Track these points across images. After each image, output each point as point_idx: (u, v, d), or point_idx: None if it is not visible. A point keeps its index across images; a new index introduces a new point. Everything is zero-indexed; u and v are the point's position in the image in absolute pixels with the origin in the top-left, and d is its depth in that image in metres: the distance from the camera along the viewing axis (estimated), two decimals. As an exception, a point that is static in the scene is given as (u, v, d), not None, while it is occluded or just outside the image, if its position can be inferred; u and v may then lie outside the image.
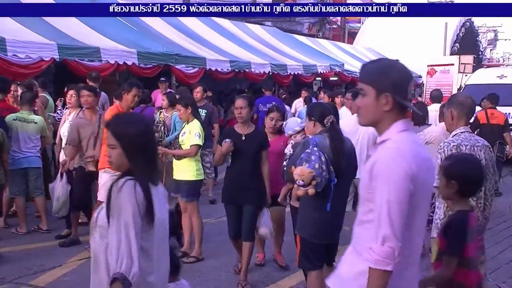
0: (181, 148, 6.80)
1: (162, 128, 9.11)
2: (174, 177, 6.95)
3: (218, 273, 6.41)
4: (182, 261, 6.70)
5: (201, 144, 6.75)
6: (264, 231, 6.02)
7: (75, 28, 11.76)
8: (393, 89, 2.58)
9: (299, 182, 4.52)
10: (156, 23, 14.95)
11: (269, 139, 6.21)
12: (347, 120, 7.61)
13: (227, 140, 5.92)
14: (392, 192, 2.45)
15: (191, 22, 16.44)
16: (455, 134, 4.58)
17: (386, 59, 2.86)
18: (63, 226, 7.96)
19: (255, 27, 20.40)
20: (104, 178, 7.06)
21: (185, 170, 6.76)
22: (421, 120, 8.11)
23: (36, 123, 7.89)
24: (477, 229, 3.42)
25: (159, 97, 11.41)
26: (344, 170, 4.71)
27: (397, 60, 2.73)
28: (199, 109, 9.28)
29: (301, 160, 4.57)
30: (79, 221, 8.23)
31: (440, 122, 7.30)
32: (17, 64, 9.81)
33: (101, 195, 7.08)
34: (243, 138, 5.97)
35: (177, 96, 9.55)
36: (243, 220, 6.01)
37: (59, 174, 7.56)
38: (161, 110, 9.53)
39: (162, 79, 12.81)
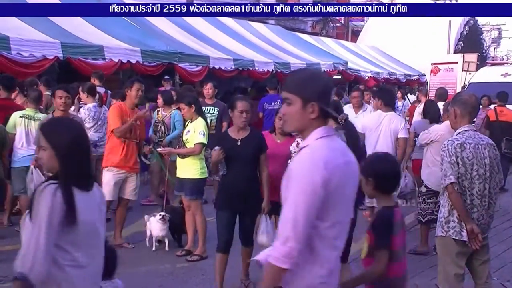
0: (186, 147, 6.79)
1: (162, 127, 9.07)
2: (177, 175, 6.96)
3: (222, 271, 6.39)
4: (186, 259, 6.72)
5: (205, 142, 6.75)
6: (261, 239, 5.58)
7: (79, 27, 11.77)
8: (318, 98, 2.70)
9: None
10: (160, 22, 14.95)
11: (278, 141, 5.98)
12: (370, 117, 7.80)
13: (216, 148, 5.58)
14: (301, 196, 2.57)
15: (194, 21, 16.44)
16: (459, 132, 4.58)
17: (309, 70, 3.03)
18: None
19: (258, 25, 20.39)
20: (107, 177, 7.07)
21: (189, 168, 6.76)
22: (435, 118, 8.19)
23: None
24: (402, 223, 3.55)
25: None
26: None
27: (319, 69, 2.86)
28: (211, 107, 9.25)
29: None
30: None
31: (444, 120, 7.30)
32: (21, 62, 9.83)
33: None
34: (239, 143, 5.63)
35: (173, 94, 9.58)
36: (242, 227, 5.80)
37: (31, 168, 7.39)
38: (158, 109, 9.48)
39: (166, 77, 12.83)
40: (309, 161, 2.62)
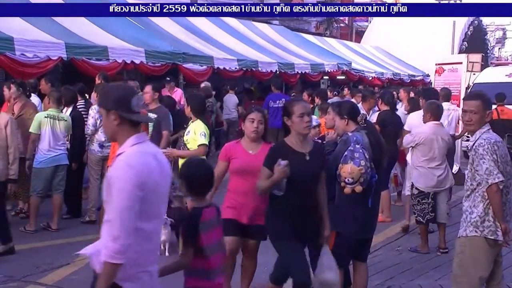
0: (186, 147, 6.78)
1: None
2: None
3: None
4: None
5: (207, 143, 6.73)
6: (329, 276, 4.57)
7: (83, 27, 11.79)
8: (116, 106, 3.05)
9: (348, 180, 4.55)
10: (164, 22, 14.97)
11: (251, 151, 5.01)
12: (416, 115, 8.26)
13: (282, 162, 4.37)
14: (123, 199, 2.90)
15: (198, 21, 16.46)
16: (483, 132, 4.51)
17: (115, 83, 3.45)
18: (72, 225, 8.03)
19: (262, 26, 20.39)
20: None
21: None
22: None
23: (65, 120, 8.00)
24: (216, 222, 3.77)
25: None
26: (382, 167, 4.83)
27: (123, 82, 3.13)
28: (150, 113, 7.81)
29: (346, 158, 4.62)
30: (88, 219, 8.25)
31: (425, 121, 7.37)
32: (25, 63, 9.86)
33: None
34: (307, 157, 4.49)
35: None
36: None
37: None
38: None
39: (167, 79, 12.82)
40: (126, 167, 2.95)
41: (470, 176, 4.50)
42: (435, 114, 7.24)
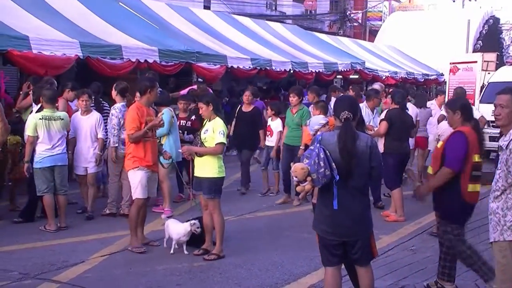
0: (204, 146, 6.79)
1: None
2: (195, 174, 6.95)
3: (239, 270, 6.39)
4: (203, 258, 6.71)
5: (225, 142, 6.75)
6: None
7: (97, 27, 11.86)
8: None
9: (294, 178, 4.56)
10: (177, 21, 15.02)
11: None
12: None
13: None
14: None
15: (212, 20, 16.49)
16: None
17: None
18: (87, 224, 8.06)
19: (276, 25, 20.41)
20: (139, 176, 6.94)
21: (206, 167, 6.75)
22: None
23: (62, 119, 7.91)
24: None
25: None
26: (353, 169, 4.62)
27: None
28: None
29: (303, 156, 4.60)
30: (108, 212, 8.49)
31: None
32: (43, 60, 9.98)
33: (137, 193, 7.03)
34: None
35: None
36: None
37: None
38: None
39: (200, 80, 12.96)
40: None
41: (503, 177, 4.34)
42: None
